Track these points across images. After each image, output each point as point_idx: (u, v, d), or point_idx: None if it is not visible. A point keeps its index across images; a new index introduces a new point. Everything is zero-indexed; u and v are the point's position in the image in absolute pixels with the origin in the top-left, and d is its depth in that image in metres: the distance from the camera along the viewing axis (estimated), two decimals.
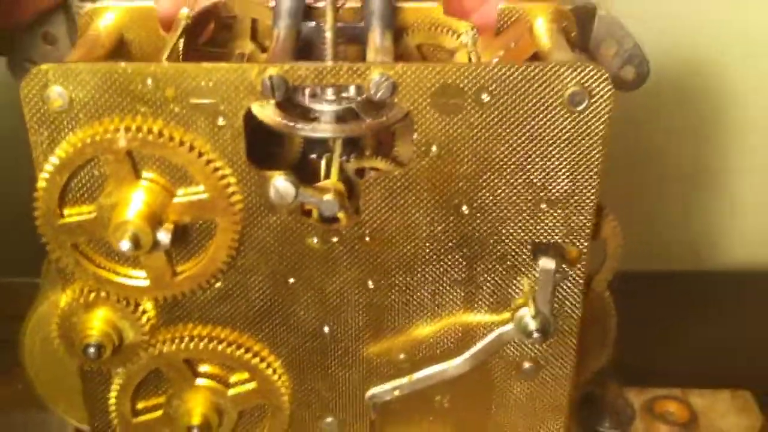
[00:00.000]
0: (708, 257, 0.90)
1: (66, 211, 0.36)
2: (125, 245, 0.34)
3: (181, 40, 0.37)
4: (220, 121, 0.34)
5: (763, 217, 0.88)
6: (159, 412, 0.41)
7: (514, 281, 0.38)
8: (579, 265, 0.38)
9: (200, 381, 0.40)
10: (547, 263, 0.37)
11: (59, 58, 0.41)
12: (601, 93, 0.33)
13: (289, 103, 0.35)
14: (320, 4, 0.38)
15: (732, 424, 0.60)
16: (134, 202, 0.35)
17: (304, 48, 0.37)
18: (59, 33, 0.41)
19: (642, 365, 0.66)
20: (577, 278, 0.38)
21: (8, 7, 0.39)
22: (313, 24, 0.38)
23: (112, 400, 0.41)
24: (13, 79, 0.42)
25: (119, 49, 0.39)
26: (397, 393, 0.40)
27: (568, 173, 0.35)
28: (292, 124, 0.34)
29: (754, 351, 0.72)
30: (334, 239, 0.37)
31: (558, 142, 0.34)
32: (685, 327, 0.75)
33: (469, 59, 0.38)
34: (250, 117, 0.34)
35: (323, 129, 0.34)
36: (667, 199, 0.87)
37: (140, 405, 0.41)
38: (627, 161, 0.83)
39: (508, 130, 0.34)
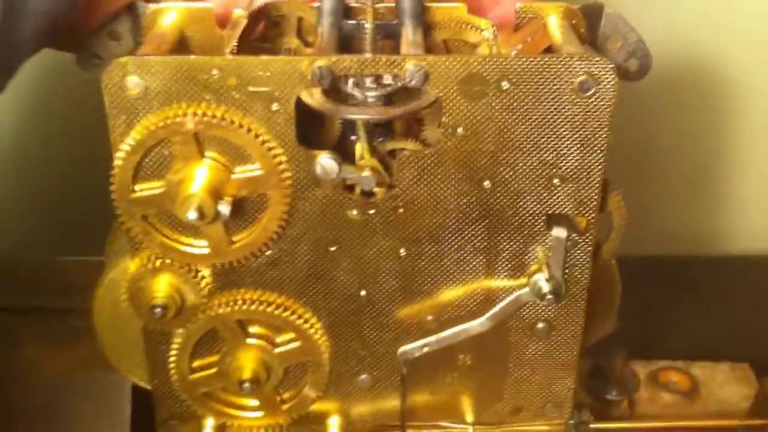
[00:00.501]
0: (714, 244, 0.93)
1: (138, 186, 0.39)
2: (191, 215, 0.38)
3: (237, 37, 0.41)
4: (274, 107, 0.38)
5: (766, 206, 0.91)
6: (213, 370, 0.45)
7: (530, 249, 0.42)
8: (587, 235, 0.41)
9: (251, 340, 0.44)
10: (559, 233, 0.41)
11: (123, 53, 0.44)
12: (607, 81, 0.37)
13: (334, 91, 0.39)
14: (357, 4, 0.43)
15: (731, 393, 0.63)
16: (198, 178, 0.39)
17: (345, 43, 0.41)
18: (124, 30, 0.44)
19: (648, 342, 0.70)
20: (585, 246, 0.42)
21: (86, 14, 0.43)
22: (352, 22, 0.42)
23: (172, 359, 0.44)
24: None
25: (181, 44, 0.42)
26: (425, 350, 0.44)
27: (577, 152, 0.39)
28: (337, 107, 0.38)
29: (755, 330, 0.76)
30: (371, 211, 0.41)
31: (569, 124, 0.38)
32: (690, 308, 0.78)
33: (490, 52, 0.42)
34: (299, 103, 0.38)
35: (364, 111, 0.38)
36: (674, 187, 0.89)
37: (196, 363, 0.44)
38: (632, 150, 0.86)
39: (525, 114, 0.38)
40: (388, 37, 0.42)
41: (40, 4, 0.39)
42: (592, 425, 0.55)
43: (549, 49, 0.41)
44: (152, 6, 0.43)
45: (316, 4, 0.42)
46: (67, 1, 0.40)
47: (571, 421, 0.54)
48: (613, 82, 0.38)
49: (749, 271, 0.87)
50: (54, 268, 0.58)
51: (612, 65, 0.37)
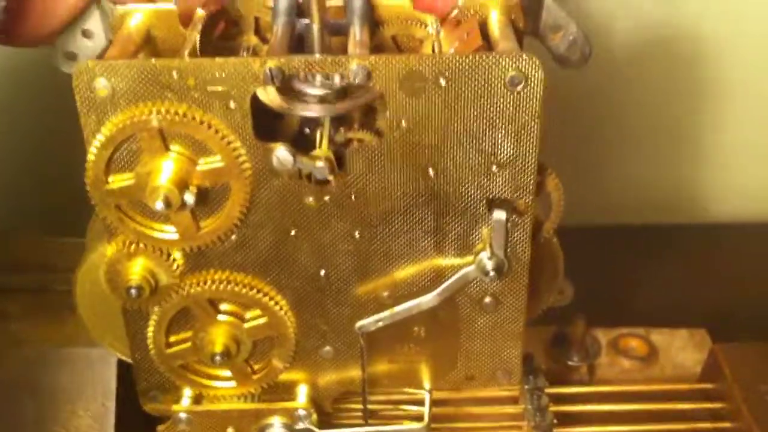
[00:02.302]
0: (682, 211, 0.95)
1: (110, 179, 0.42)
2: (159, 205, 0.41)
3: (198, 37, 0.44)
4: (232, 105, 0.41)
5: (736, 173, 0.93)
6: (188, 344, 0.48)
7: (475, 230, 0.45)
8: (526, 216, 0.44)
9: (221, 317, 0.47)
10: (499, 215, 0.44)
11: (96, 50, 0.47)
12: (535, 76, 0.40)
13: (287, 87, 0.42)
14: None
15: (687, 357, 0.67)
16: (165, 170, 0.42)
17: (299, 41, 0.44)
18: (96, 29, 0.47)
19: (611, 310, 0.73)
20: (525, 226, 0.45)
21: (37, 22, 0.45)
22: (305, 21, 0.44)
23: (150, 334, 0.47)
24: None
25: (147, 44, 0.45)
26: (380, 324, 0.47)
27: (512, 141, 0.42)
28: (288, 105, 0.42)
29: (716, 296, 0.80)
30: (326, 198, 0.44)
31: (502, 116, 0.41)
32: (653, 276, 0.82)
33: (433, 48, 0.45)
34: (255, 100, 0.41)
35: (313, 109, 0.41)
36: (645, 155, 0.92)
37: (172, 338, 0.48)
38: (609, 118, 0.89)
39: (462, 108, 0.41)
40: (339, 34, 0.45)
41: None
42: (547, 390, 0.59)
43: (489, 44, 0.44)
44: (120, 8, 0.46)
45: (270, 4, 0.45)
46: None
47: (527, 386, 0.58)
48: (540, 77, 0.41)
49: (721, 237, 0.90)
50: (36, 249, 0.61)
51: (537, 62, 0.40)
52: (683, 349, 0.68)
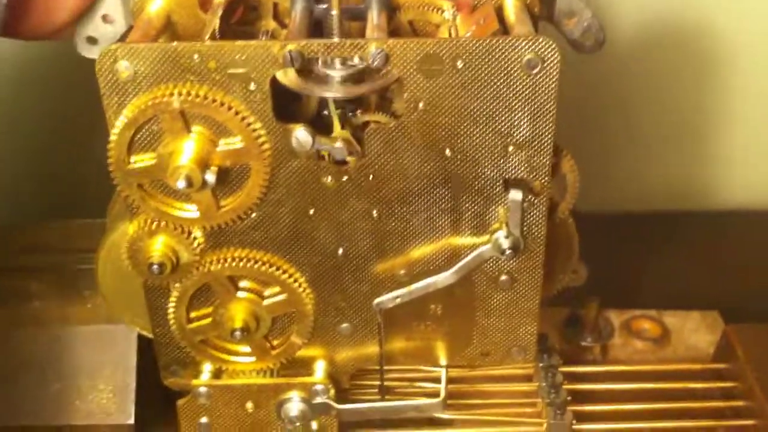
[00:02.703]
0: (701, 199, 0.96)
1: (133, 159, 0.43)
2: (181, 184, 0.42)
3: (218, 21, 0.45)
4: (252, 86, 0.42)
5: (746, 163, 0.94)
6: (208, 320, 0.49)
7: (491, 209, 0.46)
8: (542, 196, 0.45)
9: (241, 294, 0.48)
10: (515, 195, 0.45)
11: (116, 35, 0.48)
12: (551, 59, 0.41)
13: (306, 70, 0.42)
14: None
15: (700, 338, 0.67)
16: (186, 150, 0.42)
17: (317, 26, 0.45)
18: (116, 14, 0.47)
19: (625, 294, 0.74)
20: (540, 206, 0.46)
21: (41, 18, 0.46)
22: (323, 6, 0.45)
23: (171, 310, 0.48)
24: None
25: (167, 28, 0.46)
26: (398, 301, 0.48)
27: (528, 122, 0.43)
28: (308, 87, 0.42)
29: (727, 281, 0.80)
30: (344, 178, 0.45)
31: (519, 97, 0.42)
32: (666, 262, 0.82)
33: (449, 33, 0.46)
34: (275, 82, 0.42)
35: (333, 90, 0.42)
36: (654, 146, 0.92)
37: (193, 314, 0.49)
38: (619, 107, 0.89)
39: (478, 89, 0.42)
40: (357, 19, 0.46)
41: None
42: (561, 368, 0.60)
43: (504, 28, 0.45)
44: None
45: None
46: None
47: (541, 364, 0.59)
48: (556, 60, 0.41)
49: (731, 225, 0.90)
50: (57, 230, 0.62)
51: (554, 45, 0.41)
52: (696, 331, 0.68)
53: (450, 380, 0.54)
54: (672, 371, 0.63)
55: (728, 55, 0.86)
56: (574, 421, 0.57)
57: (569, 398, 0.57)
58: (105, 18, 0.48)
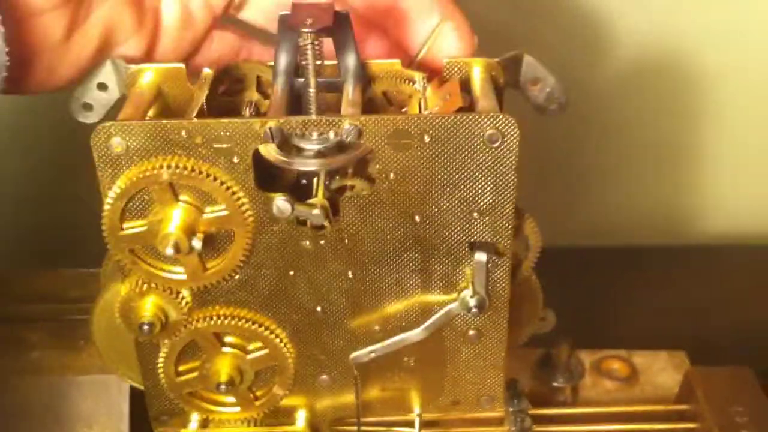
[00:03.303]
0: (683, 231, 0.99)
1: (125, 225, 0.46)
2: (169, 251, 0.45)
3: (204, 97, 0.48)
4: (235, 159, 0.44)
5: (720, 195, 0.97)
6: (195, 373, 0.51)
7: (458, 270, 0.49)
8: (505, 257, 0.48)
9: (226, 349, 0.51)
10: (480, 257, 0.47)
11: (110, 101, 0.50)
12: (511, 133, 0.44)
13: (286, 143, 0.46)
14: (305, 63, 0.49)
15: (667, 378, 0.70)
16: (174, 218, 0.45)
17: (297, 98, 0.48)
18: (110, 83, 0.50)
19: (594, 332, 0.77)
20: (504, 267, 0.48)
21: (45, 74, 0.48)
22: (302, 80, 0.48)
23: (160, 364, 0.51)
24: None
25: (158, 98, 0.49)
26: (373, 355, 0.51)
27: (491, 190, 0.46)
28: (287, 160, 0.45)
29: (694, 317, 0.83)
30: (322, 242, 0.47)
31: (481, 168, 0.45)
32: (635, 297, 0.86)
33: (419, 104, 0.49)
34: (257, 155, 0.45)
35: (309, 164, 0.45)
36: (626, 178, 0.95)
37: (181, 368, 0.51)
38: (602, 138, 0.92)
39: (445, 161, 0.45)
40: (334, 90, 0.49)
41: None
42: (531, 411, 0.63)
43: (470, 102, 0.48)
44: (133, 66, 0.50)
45: (270, 63, 0.49)
46: None
47: (511, 409, 0.62)
48: (515, 134, 0.44)
49: (707, 259, 0.93)
50: (53, 280, 0.65)
51: (513, 121, 0.44)
52: (663, 371, 0.71)
53: (425, 424, 0.57)
54: (637, 412, 0.65)
55: (708, 88, 0.89)
56: None
57: None
58: (100, 86, 0.51)
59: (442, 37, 0.50)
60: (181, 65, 0.50)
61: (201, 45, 0.54)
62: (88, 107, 0.51)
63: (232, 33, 0.55)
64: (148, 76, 0.50)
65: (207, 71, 0.50)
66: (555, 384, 0.69)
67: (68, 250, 0.76)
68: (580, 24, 0.86)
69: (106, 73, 0.50)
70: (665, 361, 0.72)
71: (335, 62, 0.49)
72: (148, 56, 0.52)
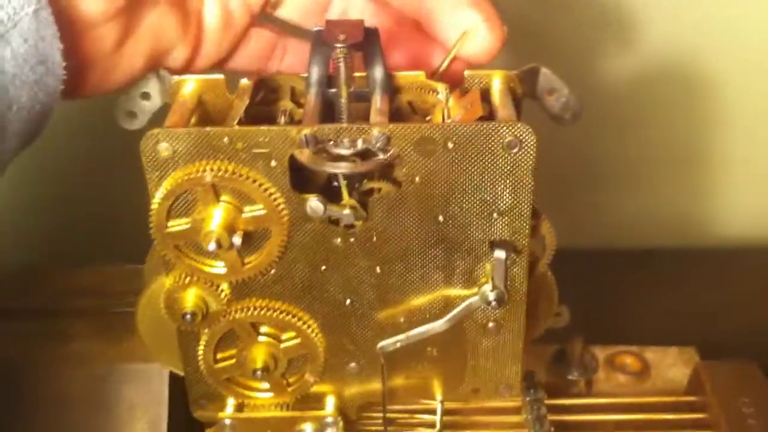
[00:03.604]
0: (696, 235, 1.02)
1: (170, 223, 0.49)
2: (212, 246, 0.48)
3: (244, 106, 0.51)
4: (273, 163, 0.48)
5: (737, 199, 0.99)
6: (233, 361, 0.55)
7: (479, 266, 0.52)
8: (523, 255, 0.51)
9: (261, 338, 0.54)
10: (500, 254, 0.51)
11: (152, 109, 0.54)
12: (528, 140, 0.47)
13: (320, 148, 0.49)
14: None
15: (677, 372, 0.73)
16: (216, 217, 0.49)
17: (329, 108, 0.51)
18: (153, 92, 0.54)
19: (606, 331, 0.80)
20: (522, 264, 0.52)
21: (98, 81, 0.50)
22: (334, 90, 0.51)
23: (200, 352, 0.54)
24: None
25: (199, 107, 0.52)
26: (398, 345, 0.54)
27: (509, 193, 0.49)
28: (321, 164, 0.49)
29: (705, 319, 0.86)
30: (352, 239, 0.51)
31: (501, 173, 0.48)
32: (647, 298, 0.88)
33: (443, 114, 0.53)
34: (293, 159, 0.48)
35: (341, 167, 0.48)
36: (643, 183, 0.97)
37: (219, 355, 0.55)
38: (616, 144, 0.93)
39: (467, 166, 0.48)
40: (362, 100, 0.52)
41: (18, 127, 0.46)
42: (547, 401, 0.66)
43: (490, 111, 0.51)
44: (176, 77, 0.53)
45: (304, 75, 0.53)
46: (43, 113, 0.47)
47: (528, 398, 0.65)
48: (532, 141, 0.48)
49: (719, 261, 0.96)
50: (97, 275, 0.69)
51: (530, 129, 0.48)
52: (673, 365, 0.74)
53: (446, 411, 0.60)
54: (649, 403, 0.69)
55: (718, 96, 0.91)
56: None
57: (552, 429, 0.63)
58: (143, 95, 0.54)
59: (472, 30, 0.52)
60: (221, 76, 0.53)
61: (240, 43, 0.56)
62: (132, 115, 0.55)
63: (270, 30, 0.57)
64: (190, 86, 0.53)
65: (245, 82, 0.53)
66: (569, 377, 0.72)
67: (101, 247, 0.80)
68: (601, 23, 0.88)
69: (149, 84, 0.54)
70: (675, 356, 0.75)
71: (364, 74, 0.53)
72: (193, 58, 0.54)
